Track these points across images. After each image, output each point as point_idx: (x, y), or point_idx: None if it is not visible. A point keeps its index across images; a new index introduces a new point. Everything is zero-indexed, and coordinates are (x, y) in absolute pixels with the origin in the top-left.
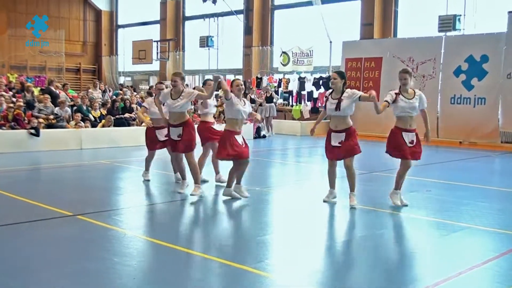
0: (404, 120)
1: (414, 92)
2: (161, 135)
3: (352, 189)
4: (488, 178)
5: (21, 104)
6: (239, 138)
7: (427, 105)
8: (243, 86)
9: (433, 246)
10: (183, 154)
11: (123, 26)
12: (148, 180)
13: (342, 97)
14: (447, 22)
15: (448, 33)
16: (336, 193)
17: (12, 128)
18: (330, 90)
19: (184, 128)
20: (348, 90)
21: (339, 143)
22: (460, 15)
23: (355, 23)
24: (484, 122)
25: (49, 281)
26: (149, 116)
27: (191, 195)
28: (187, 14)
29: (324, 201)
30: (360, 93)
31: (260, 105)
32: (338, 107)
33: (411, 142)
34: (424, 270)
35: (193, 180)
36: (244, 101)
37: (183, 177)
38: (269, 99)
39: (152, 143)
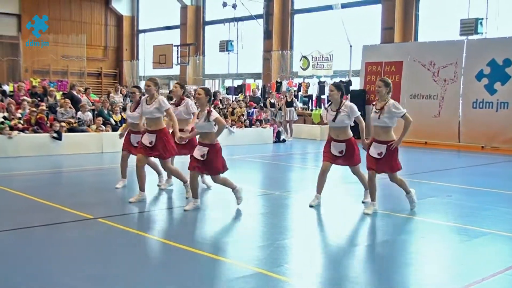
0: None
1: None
2: (135, 140)
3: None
4: (510, 183)
5: (44, 108)
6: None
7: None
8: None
9: (454, 252)
10: (164, 160)
11: (144, 31)
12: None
13: (340, 110)
14: (469, 26)
15: (470, 37)
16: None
17: (35, 132)
18: (330, 102)
19: (157, 136)
20: (347, 103)
21: (339, 152)
22: (482, 19)
23: (375, 27)
24: (507, 127)
25: (69, 284)
26: (128, 119)
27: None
28: (207, 18)
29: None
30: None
31: (280, 109)
32: (335, 118)
33: (379, 154)
34: (444, 276)
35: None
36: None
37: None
38: (290, 104)
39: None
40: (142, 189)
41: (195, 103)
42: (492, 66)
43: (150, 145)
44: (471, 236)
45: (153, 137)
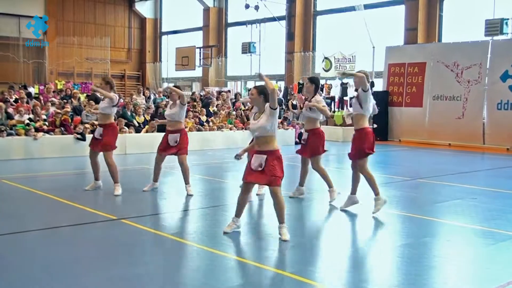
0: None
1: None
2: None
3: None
4: None
5: (68, 110)
6: None
7: None
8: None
9: (479, 255)
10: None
11: (167, 33)
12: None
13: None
14: (494, 26)
15: (495, 37)
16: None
17: (62, 133)
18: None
19: (104, 129)
20: (267, 105)
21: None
22: (508, 19)
23: (398, 28)
24: None
25: (93, 285)
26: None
27: (114, 195)
28: (230, 20)
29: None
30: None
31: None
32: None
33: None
34: (469, 279)
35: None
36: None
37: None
38: None
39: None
40: (187, 181)
41: (245, 106)
42: None
43: (99, 137)
44: (496, 239)
45: (101, 130)
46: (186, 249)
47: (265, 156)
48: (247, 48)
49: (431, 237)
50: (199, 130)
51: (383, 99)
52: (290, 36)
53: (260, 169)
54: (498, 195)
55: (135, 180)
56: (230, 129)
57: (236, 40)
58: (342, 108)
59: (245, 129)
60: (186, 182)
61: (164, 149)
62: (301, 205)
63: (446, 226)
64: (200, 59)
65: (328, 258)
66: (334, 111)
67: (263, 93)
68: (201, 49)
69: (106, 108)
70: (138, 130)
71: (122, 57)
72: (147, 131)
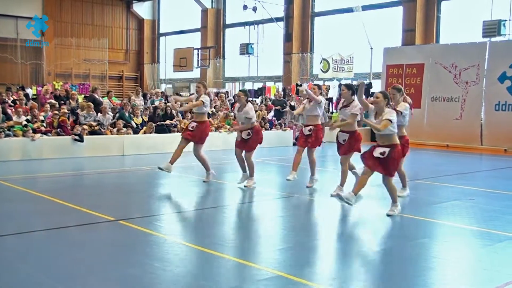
0: None
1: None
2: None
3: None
4: None
5: (66, 111)
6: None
7: None
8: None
9: (477, 256)
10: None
11: (165, 34)
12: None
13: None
14: (492, 27)
15: (493, 39)
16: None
17: (58, 134)
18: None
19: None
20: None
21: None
22: (506, 20)
23: (396, 29)
24: None
25: (93, 286)
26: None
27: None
28: (228, 22)
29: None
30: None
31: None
32: None
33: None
34: (467, 280)
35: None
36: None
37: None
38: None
39: None
40: (251, 174)
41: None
42: None
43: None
44: (494, 240)
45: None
46: (184, 250)
47: (388, 149)
48: (245, 49)
49: (429, 238)
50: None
51: None
52: (288, 37)
53: (382, 156)
54: (495, 196)
55: (133, 181)
56: (229, 130)
57: (234, 41)
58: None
59: None
60: (251, 175)
61: (237, 145)
62: (297, 207)
63: (444, 227)
64: (198, 60)
65: (325, 259)
66: (332, 112)
67: (387, 97)
68: (199, 50)
69: (199, 108)
70: (136, 131)
71: (120, 58)
72: (145, 132)
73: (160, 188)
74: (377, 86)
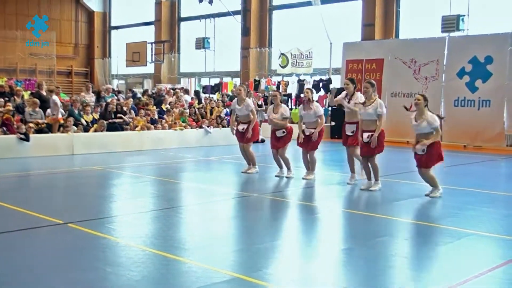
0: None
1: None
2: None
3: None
4: (494, 182)
5: (10, 108)
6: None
7: None
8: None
9: (437, 254)
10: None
11: (117, 28)
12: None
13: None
14: (451, 23)
15: (452, 34)
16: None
17: (4, 133)
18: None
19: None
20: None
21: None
22: (464, 15)
23: (356, 24)
24: (489, 125)
25: None
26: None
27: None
28: (183, 15)
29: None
30: None
31: (260, 106)
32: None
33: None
34: (427, 278)
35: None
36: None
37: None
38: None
39: None
40: (289, 168)
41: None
42: (474, 64)
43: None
44: (454, 237)
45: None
46: (138, 253)
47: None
48: (201, 44)
49: (389, 236)
50: (149, 129)
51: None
52: (245, 32)
53: (422, 153)
54: (454, 192)
55: (83, 182)
56: (184, 127)
57: (189, 35)
58: (299, 106)
59: (199, 128)
60: (288, 168)
61: (273, 145)
62: (252, 207)
63: (403, 224)
64: (151, 55)
65: (283, 260)
66: (291, 109)
67: (427, 99)
68: (153, 45)
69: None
70: (86, 129)
71: (68, 52)
72: (95, 130)
73: (112, 189)
74: (337, 82)
